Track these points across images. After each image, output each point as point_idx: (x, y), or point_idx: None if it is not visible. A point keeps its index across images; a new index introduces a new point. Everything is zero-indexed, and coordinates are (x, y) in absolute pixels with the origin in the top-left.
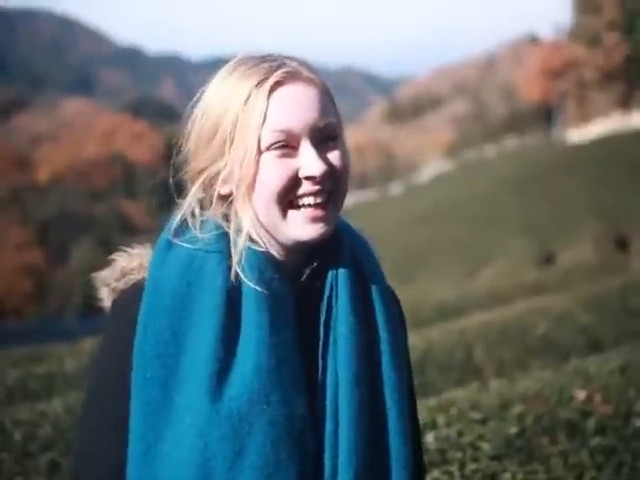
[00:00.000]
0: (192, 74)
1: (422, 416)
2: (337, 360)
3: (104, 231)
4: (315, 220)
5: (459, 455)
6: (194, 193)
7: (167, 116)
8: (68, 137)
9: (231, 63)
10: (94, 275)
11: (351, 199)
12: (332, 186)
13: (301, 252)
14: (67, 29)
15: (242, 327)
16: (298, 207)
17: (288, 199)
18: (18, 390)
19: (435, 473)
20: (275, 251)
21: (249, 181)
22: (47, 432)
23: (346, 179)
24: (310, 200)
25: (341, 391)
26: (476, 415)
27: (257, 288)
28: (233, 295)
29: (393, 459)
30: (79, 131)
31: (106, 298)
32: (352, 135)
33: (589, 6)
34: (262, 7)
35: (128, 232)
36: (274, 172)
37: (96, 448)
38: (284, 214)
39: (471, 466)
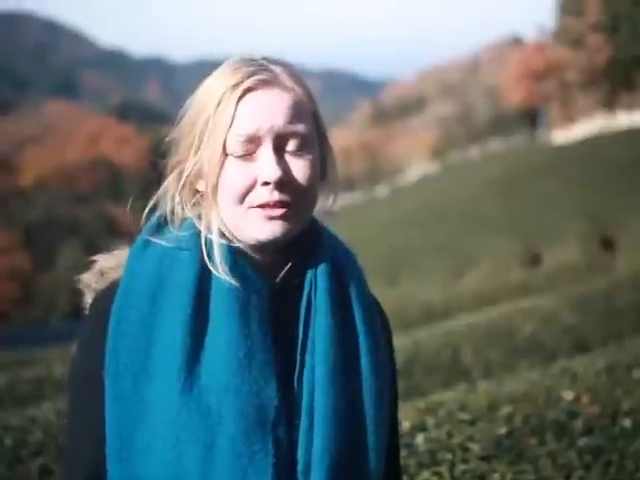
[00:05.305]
0: (178, 77)
1: (411, 418)
2: (314, 357)
3: (90, 235)
4: (272, 219)
5: (449, 456)
6: (169, 187)
7: (153, 119)
8: (53, 140)
9: (227, 61)
10: (77, 279)
11: (337, 202)
12: (290, 196)
13: (274, 252)
14: (50, 32)
15: (211, 319)
16: (256, 207)
17: (248, 201)
18: (7, 395)
19: (425, 474)
20: (247, 249)
21: (213, 182)
22: (38, 437)
23: (309, 191)
24: (266, 199)
25: (317, 387)
26: (465, 416)
27: (227, 281)
28: (203, 289)
29: (369, 460)
30: (64, 134)
31: (88, 300)
32: (338, 137)
33: (573, 8)
34: (250, 10)
35: (114, 236)
36: (235, 176)
37: (77, 447)
38: (244, 214)
39: (461, 467)
